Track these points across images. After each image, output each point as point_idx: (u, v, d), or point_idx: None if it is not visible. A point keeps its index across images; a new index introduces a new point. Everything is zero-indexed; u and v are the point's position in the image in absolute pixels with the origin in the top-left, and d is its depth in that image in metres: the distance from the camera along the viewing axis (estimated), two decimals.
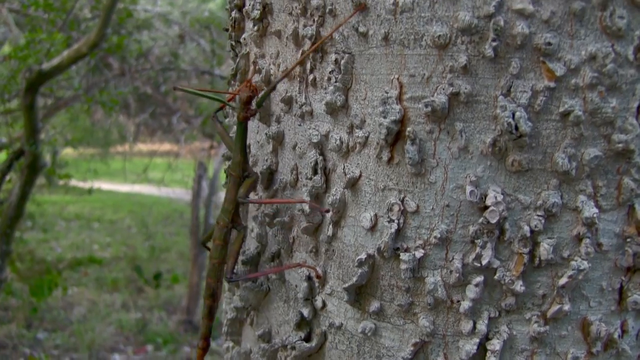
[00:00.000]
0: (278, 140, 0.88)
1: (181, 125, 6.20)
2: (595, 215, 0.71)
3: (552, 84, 0.68)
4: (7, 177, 4.45)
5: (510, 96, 0.69)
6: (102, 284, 5.89)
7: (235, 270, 0.90)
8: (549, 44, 0.67)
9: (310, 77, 0.81)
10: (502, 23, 0.66)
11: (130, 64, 5.81)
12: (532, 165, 0.70)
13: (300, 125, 0.84)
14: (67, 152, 6.98)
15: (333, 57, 0.76)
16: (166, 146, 8.30)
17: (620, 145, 0.69)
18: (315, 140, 0.80)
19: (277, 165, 0.90)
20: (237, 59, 0.95)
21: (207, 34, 6.01)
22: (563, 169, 0.69)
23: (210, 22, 5.32)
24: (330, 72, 0.77)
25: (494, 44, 0.67)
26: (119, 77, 5.86)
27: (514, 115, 0.67)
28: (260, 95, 0.82)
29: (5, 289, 4.85)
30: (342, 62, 0.75)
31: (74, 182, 6.78)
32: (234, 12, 0.94)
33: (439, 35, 0.68)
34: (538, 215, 0.71)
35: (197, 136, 6.60)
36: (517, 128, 0.67)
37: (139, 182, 7.62)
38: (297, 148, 0.85)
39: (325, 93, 0.78)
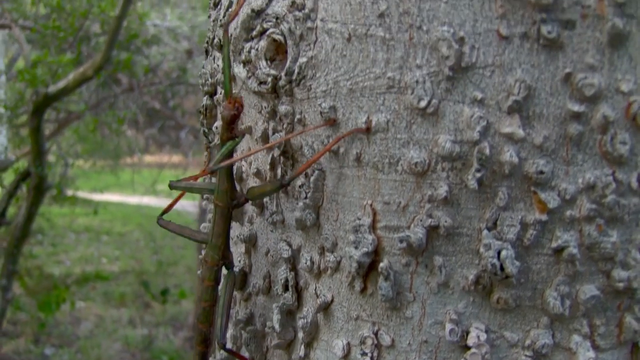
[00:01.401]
0: (251, 242, 0.82)
1: (189, 139, 6.17)
2: (591, 359, 0.63)
3: (544, 217, 0.60)
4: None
5: (496, 230, 0.61)
6: (110, 298, 5.87)
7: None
8: (541, 172, 0.59)
9: None
10: (487, 151, 0.59)
11: (139, 79, 5.80)
12: (520, 302, 0.63)
13: (272, 231, 0.78)
14: (78, 164, 6.99)
15: (307, 161, 0.69)
16: (175, 158, 8.30)
17: (621, 284, 0.61)
18: (286, 256, 0.73)
19: (250, 267, 0.83)
20: (210, 149, 0.89)
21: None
22: (554, 312, 0.61)
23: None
24: (300, 186, 0.70)
25: (478, 175, 0.59)
26: (128, 93, 5.85)
27: (499, 254, 0.60)
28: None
29: (13, 304, 4.85)
30: (312, 178, 0.68)
31: (83, 194, 6.78)
32: (205, 99, 0.88)
33: (416, 163, 0.60)
34: (526, 355, 0.64)
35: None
36: (502, 269, 0.60)
37: (147, 194, 7.61)
38: (269, 255, 0.79)
39: (297, 203, 0.71)
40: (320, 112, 0.65)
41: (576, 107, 0.59)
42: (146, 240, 7.83)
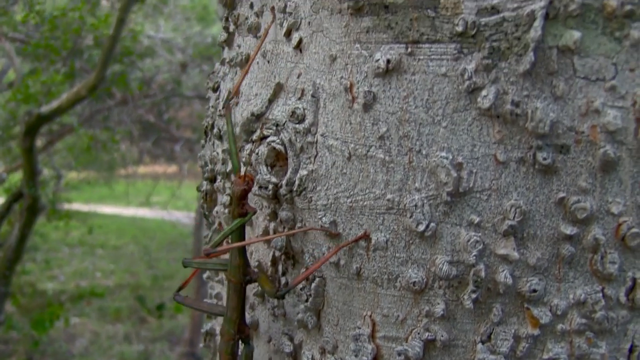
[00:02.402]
0: (253, 328, 0.84)
1: (184, 152, 6.17)
2: None
3: (536, 332, 0.63)
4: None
5: (490, 343, 0.63)
6: (105, 314, 5.86)
7: None
8: (534, 291, 0.62)
9: (283, 280, 0.76)
10: (482, 274, 0.61)
11: (133, 92, 5.79)
12: None
13: (274, 322, 0.80)
14: (71, 176, 6.97)
15: (305, 272, 0.71)
16: (169, 169, 8.29)
17: None
18: (287, 350, 0.75)
19: (252, 352, 0.85)
20: (211, 232, 0.91)
21: (211, 60, 5.98)
22: None
23: (212, 53, 5.28)
24: (301, 289, 0.72)
25: (474, 295, 0.62)
26: (122, 106, 5.84)
27: None
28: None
29: (5, 323, 4.83)
30: (314, 285, 0.70)
31: (77, 206, 6.77)
32: (205, 184, 0.90)
33: (414, 282, 0.63)
34: None
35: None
36: None
37: (142, 206, 7.60)
38: (271, 343, 0.81)
39: (298, 300, 0.73)
40: (321, 226, 0.67)
41: (569, 230, 0.61)
42: (141, 253, 7.82)
